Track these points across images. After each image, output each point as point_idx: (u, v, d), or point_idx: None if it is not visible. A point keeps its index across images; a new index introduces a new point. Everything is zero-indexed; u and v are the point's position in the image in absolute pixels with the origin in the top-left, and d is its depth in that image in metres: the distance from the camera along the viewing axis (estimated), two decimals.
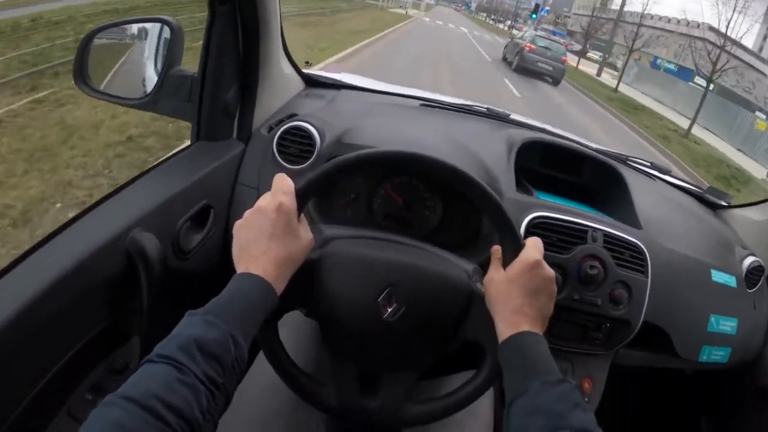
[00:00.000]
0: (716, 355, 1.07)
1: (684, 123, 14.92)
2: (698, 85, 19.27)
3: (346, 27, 13.99)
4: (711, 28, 19.38)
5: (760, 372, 1.16)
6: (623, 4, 25.39)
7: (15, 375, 0.61)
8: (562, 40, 21.43)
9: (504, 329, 0.61)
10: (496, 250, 0.68)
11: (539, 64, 14.32)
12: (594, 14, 28.54)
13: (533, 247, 0.65)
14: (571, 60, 25.96)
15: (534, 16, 29.10)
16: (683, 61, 26.29)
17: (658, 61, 30.93)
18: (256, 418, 0.79)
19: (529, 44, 14.49)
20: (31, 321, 0.60)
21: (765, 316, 1.15)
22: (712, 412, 1.35)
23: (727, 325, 1.07)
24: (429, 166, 0.68)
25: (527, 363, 0.58)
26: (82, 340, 0.72)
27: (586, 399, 1.00)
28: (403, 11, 30.18)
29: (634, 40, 20.82)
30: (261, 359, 0.86)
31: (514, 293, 0.62)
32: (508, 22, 54.56)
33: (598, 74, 24.00)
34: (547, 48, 14.51)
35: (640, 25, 22.84)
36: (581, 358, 1.01)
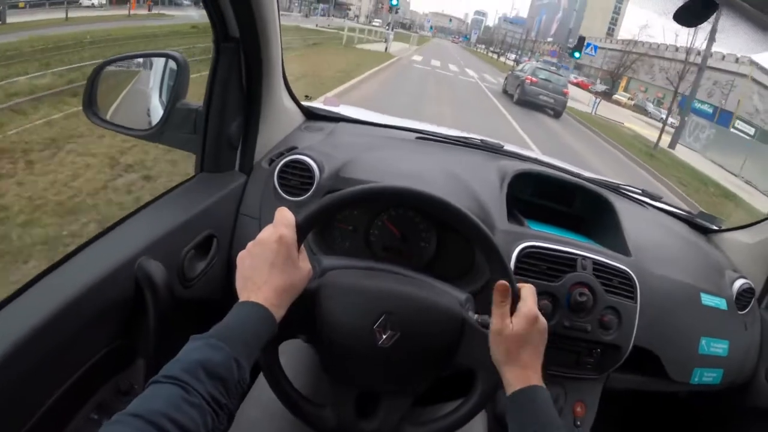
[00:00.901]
0: (708, 377, 1.08)
1: None
2: (740, 130, 16.02)
3: None
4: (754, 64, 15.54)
5: (754, 392, 1.16)
6: (711, 39, 13.77)
7: (24, 395, 0.63)
8: (572, 76, 19.86)
9: (513, 382, 0.66)
10: (500, 289, 0.68)
11: (541, 96, 14.41)
12: (626, 49, 23.96)
13: (531, 299, 0.69)
14: (623, 116, 20.37)
15: (577, 55, 19.04)
16: (716, 100, 22.54)
17: (693, 103, 23.44)
18: None
19: (530, 77, 14.59)
20: (42, 342, 0.63)
21: (757, 337, 1.16)
22: None
23: (719, 347, 1.08)
24: (422, 200, 0.72)
25: (539, 416, 0.64)
26: (89, 361, 0.74)
27: (578, 423, 1.02)
28: (381, 47, 19.98)
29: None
30: (262, 383, 0.87)
31: (524, 351, 0.67)
32: (512, 56, 55.02)
33: (672, 146, 15.80)
34: (548, 80, 14.61)
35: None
36: (573, 383, 1.03)
